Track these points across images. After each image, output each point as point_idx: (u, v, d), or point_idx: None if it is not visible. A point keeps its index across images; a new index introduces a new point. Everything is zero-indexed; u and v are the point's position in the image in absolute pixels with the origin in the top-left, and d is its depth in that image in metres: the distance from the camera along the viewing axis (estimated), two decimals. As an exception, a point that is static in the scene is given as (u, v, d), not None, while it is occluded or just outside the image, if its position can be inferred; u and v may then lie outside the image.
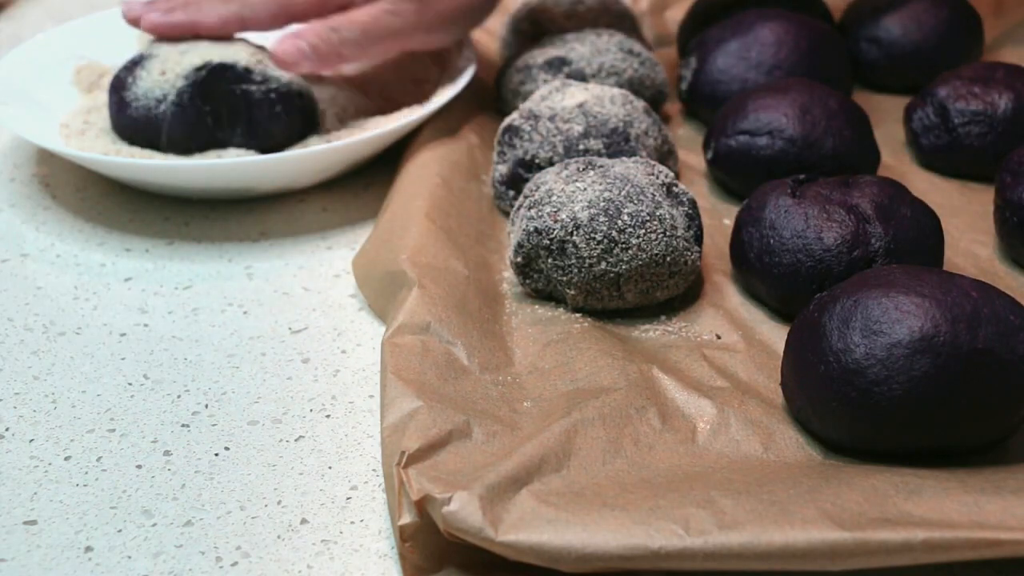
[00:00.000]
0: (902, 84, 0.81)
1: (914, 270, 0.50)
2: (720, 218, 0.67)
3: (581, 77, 0.74)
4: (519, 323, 0.58)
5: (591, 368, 0.54)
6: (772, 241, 0.58)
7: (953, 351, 0.46)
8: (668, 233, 0.57)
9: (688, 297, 0.60)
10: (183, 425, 0.54)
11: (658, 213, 0.57)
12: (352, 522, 0.48)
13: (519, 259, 0.58)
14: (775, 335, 0.57)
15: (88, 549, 0.47)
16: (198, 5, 0.72)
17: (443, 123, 0.74)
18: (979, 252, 0.64)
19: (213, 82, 0.69)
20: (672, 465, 0.48)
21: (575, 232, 0.56)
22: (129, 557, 0.46)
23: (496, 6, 0.77)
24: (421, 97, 0.77)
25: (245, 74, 0.70)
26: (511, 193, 0.66)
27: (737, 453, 0.49)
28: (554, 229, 0.57)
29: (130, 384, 0.57)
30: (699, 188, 0.70)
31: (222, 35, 0.72)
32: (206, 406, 0.55)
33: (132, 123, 0.70)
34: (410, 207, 0.64)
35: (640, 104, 0.68)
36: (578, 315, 0.58)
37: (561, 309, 0.59)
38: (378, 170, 0.73)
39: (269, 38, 0.74)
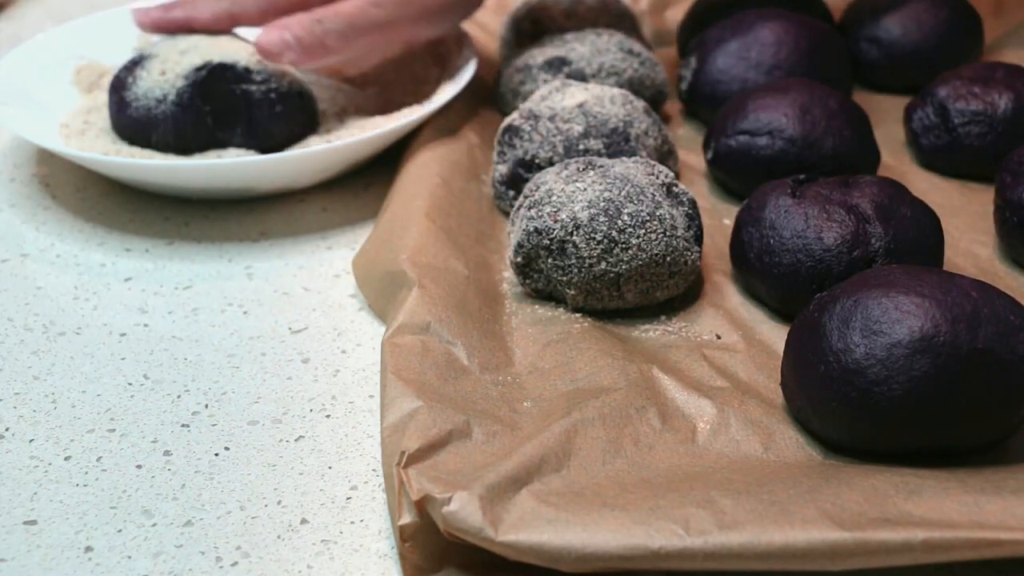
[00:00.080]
0: (902, 84, 0.81)
1: (914, 270, 0.50)
2: (720, 218, 0.67)
3: (581, 77, 0.74)
4: (519, 323, 0.58)
5: (591, 368, 0.54)
6: (772, 241, 0.58)
7: (953, 351, 0.46)
8: (668, 233, 0.57)
9: (688, 297, 0.60)
10: (183, 425, 0.54)
11: (658, 213, 0.57)
12: (352, 522, 0.48)
13: (519, 259, 0.58)
14: (775, 335, 0.57)
15: (88, 549, 0.47)
16: (193, 3, 0.73)
17: (443, 123, 0.74)
18: (979, 252, 0.64)
19: (213, 82, 0.69)
20: (672, 465, 0.48)
21: (575, 232, 0.56)
22: (129, 557, 0.46)
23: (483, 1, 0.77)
24: (421, 97, 0.77)
25: (245, 74, 0.70)
26: (511, 193, 0.66)
27: (737, 453, 0.49)
28: (554, 229, 0.57)
29: (130, 384, 0.57)
30: (699, 188, 0.70)
31: (215, 30, 0.73)
32: (206, 406, 0.55)
33: (132, 123, 0.70)
34: (410, 207, 0.64)
35: (640, 104, 0.68)
36: (578, 315, 0.58)
37: (561, 309, 0.59)
38: (378, 170, 0.73)
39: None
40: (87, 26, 0.83)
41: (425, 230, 0.62)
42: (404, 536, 0.45)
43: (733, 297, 0.60)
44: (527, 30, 0.82)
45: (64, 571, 0.46)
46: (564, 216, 0.57)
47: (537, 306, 0.59)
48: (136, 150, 0.70)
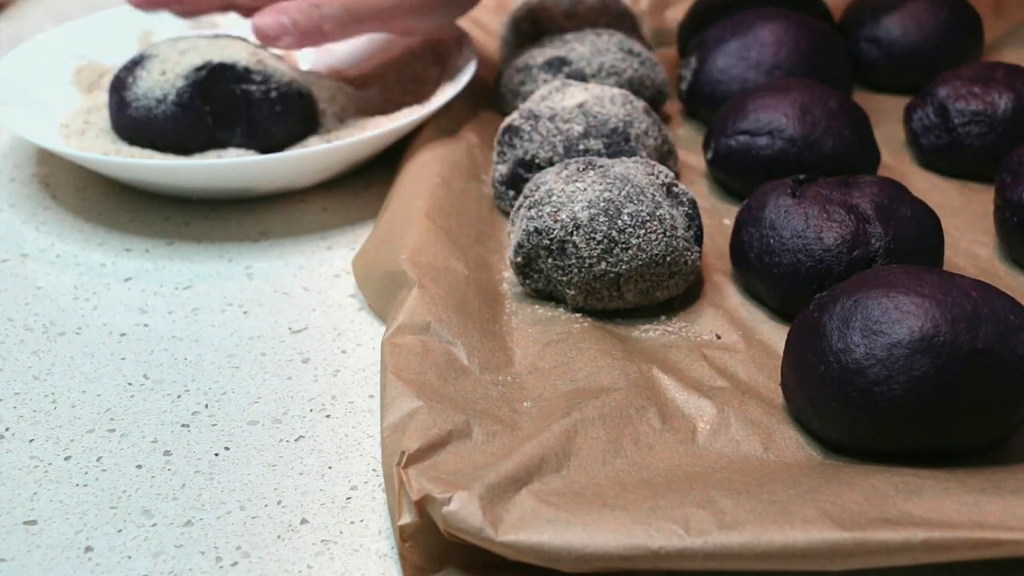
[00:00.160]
0: (902, 84, 0.81)
1: (914, 270, 0.50)
2: (720, 218, 0.67)
3: (581, 77, 0.74)
4: (519, 323, 0.58)
5: (591, 368, 0.54)
6: (772, 241, 0.58)
7: (953, 351, 0.46)
8: (668, 233, 0.57)
9: (688, 297, 0.60)
10: (183, 425, 0.54)
11: (658, 213, 0.57)
12: (352, 522, 0.48)
13: (519, 259, 0.58)
14: (775, 335, 0.57)
15: (88, 549, 0.47)
16: None
17: (443, 123, 0.74)
18: (979, 252, 0.64)
19: (213, 82, 0.69)
20: (672, 465, 0.48)
21: (575, 232, 0.56)
22: (129, 557, 0.46)
23: None
24: (421, 97, 0.77)
25: (245, 74, 0.70)
26: (511, 193, 0.66)
27: (737, 453, 0.49)
28: (554, 229, 0.57)
29: (130, 384, 0.57)
30: (699, 188, 0.70)
31: (208, 10, 0.73)
32: (206, 406, 0.55)
33: (132, 123, 0.70)
34: (410, 207, 0.64)
35: (640, 104, 0.68)
36: (578, 315, 0.58)
37: (561, 309, 0.59)
38: (378, 170, 0.73)
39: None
40: (87, 26, 0.83)
41: (425, 230, 0.62)
42: (404, 536, 0.45)
43: (733, 297, 0.60)
44: (527, 30, 0.82)
45: (64, 571, 0.46)
46: (564, 216, 0.57)
47: (537, 306, 0.59)
48: (136, 150, 0.70)
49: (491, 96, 0.79)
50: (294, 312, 0.62)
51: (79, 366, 0.58)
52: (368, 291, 0.62)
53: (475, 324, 0.56)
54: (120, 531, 0.48)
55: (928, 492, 0.44)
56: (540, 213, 0.58)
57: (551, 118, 0.66)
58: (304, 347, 0.59)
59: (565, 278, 0.57)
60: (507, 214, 0.67)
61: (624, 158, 0.61)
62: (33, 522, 0.48)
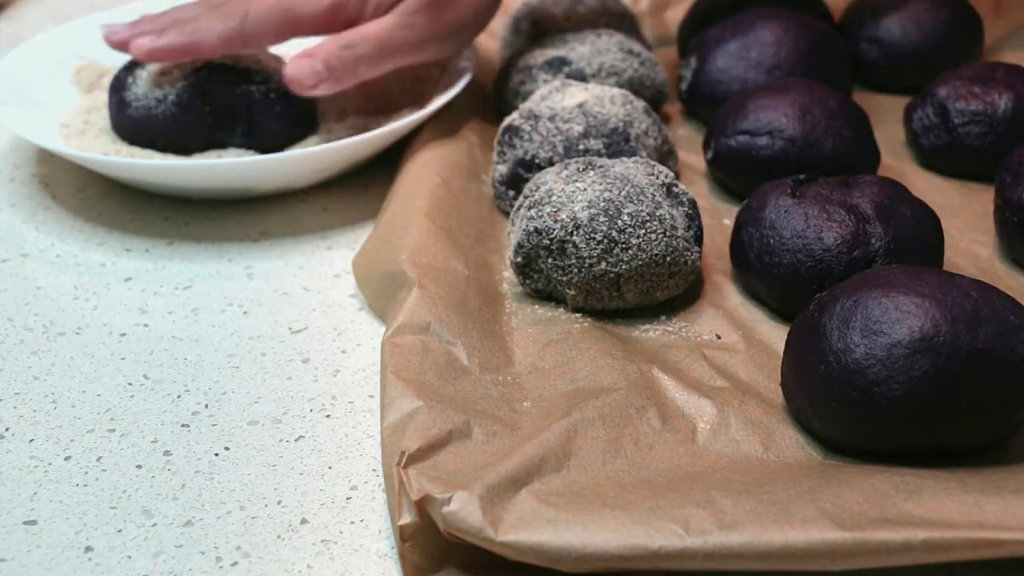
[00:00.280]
0: (902, 84, 0.81)
1: (914, 270, 0.50)
2: (720, 218, 0.67)
3: (581, 77, 0.74)
4: (519, 323, 0.58)
5: (591, 368, 0.54)
6: (772, 241, 0.58)
7: (953, 351, 0.46)
8: (668, 233, 0.57)
9: (688, 297, 0.60)
10: (183, 425, 0.54)
11: (658, 213, 0.57)
12: (352, 522, 0.48)
13: (519, 259, 0.58)
14: (775, 335, 0.57)
15: (88, 549, 0.47)
16: (195, 23, 0.68)
17: (443, 123, 0.74)
18: (979, 252, 0.64)
19: (213, 82, 0.69)
20: (672, 465, 0.48)
21: (575, 232, 0.56)
22: (129, 557, 0.46)
23: (498, 9, 0.76)
24: (421, 97, 0.77)
25: (245, 74, 0.70)
26: (511, 193, 0.66)
27: (737, 453, 0.49)
28: (554, 229, 0.57)
29: (130, 384, 0.57)
30: (699, 188, 0.70)
31: (225, 54, 0.69)
32: (206, 406, 0.55)
33: (132, 123, 0.70)
34: (410, 207, 0.64)
35: (640, 104, 0.68)
36: (578, 315, 0.58)
37: (561, 309, 0.59)
38: (378, 170, 0.73)
39: None
40: (87, 26, 0.83)
41: (425, 230, 0.62)
42: (404, 536, 0.45)
43: (733, 297, 0.60)
44: (527, 30, 0.82)
45: (64, 571, 0.46)
46: (564, 216, 0.57)
47: (537, 306, 0.59)
48: (136, 150, 0.70)
49: (491, 96, 0.79)
50: (294, 312, 0.62)
51: (79, 366, 0.58)
52: (368, 291, 0.62)
53: (475, 324, 0.56)
54: (120, 531, 0.48)
55: (928, 492, 0.44)
56: (540, 213, 0.58)
57: (551, 118, 0.66)
58: (304, 347, 0.59)
59: (565, 278, 0.57)
60: (507, 214, 0.67)
61: (624, 158, 0.61)
62: (33, 522, 0.48)
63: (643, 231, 0.56)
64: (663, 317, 0.59)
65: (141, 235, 0.69)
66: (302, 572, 0.46)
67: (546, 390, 0.53)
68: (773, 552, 0.42)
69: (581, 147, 0.65)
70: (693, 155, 0.74)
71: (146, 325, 0.61)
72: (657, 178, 0.59)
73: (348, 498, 0.49)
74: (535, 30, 0.81)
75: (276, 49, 0.75)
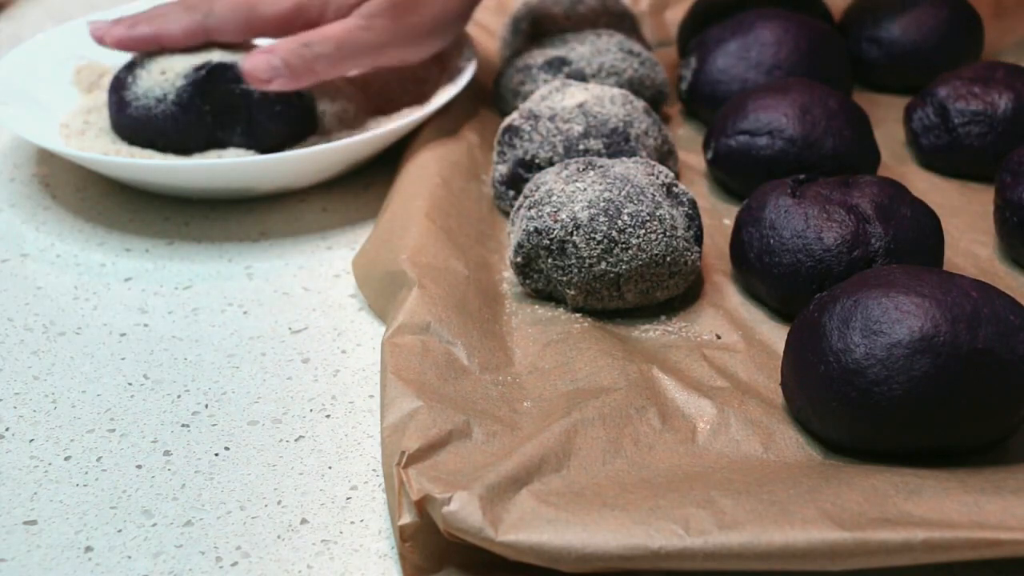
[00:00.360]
0: (902, 84, 0.81)
1: (914, 270, 0.50)
2: (720, 218, 0.67)
3: (581, 77, 0.74)
4: (519, 323, 0.58)
5: (591, 368, 0.54)
6: (772, 241, 0.58)
7: (953, 351, 0.46)
8: (668, 233, 0.57)
9: (688, 297, 0.60)
10: (183, 425, 0.54)
11: (658, 213, 0.57)
12: (352, 522, 0.48)
13: (519, 259, 0.58)
14: (775, 335, 0.57)
15: (88, 549, 0.47)
16: (163, 17, 0.71)
17: (443, 123, 0.74)
18: (979, 252, 0.64)
19: (213, 82, 0.69)
20: (672, 465, 0.48)
21: (575, 232, 0.56)
22: (129, 557, 0.46)
23: (470, 18, 0.76)
24: (421, 97, 0.77)
25: (245, 74, 0.70)
26: (511, 193, 0.66)
27: (737, 453, 0.49)
28: (554, 229, 0.57)
29: (130, 384, 0.57)
30: (699, 188, 0.70)
31: (187, 46, 0.71)
32: (206, 406, 0.55)
33: (132, 123, 0.70)
34: (410, 207, 0.64)
35: (640, 104, 0.68)
36: (578, 315, 0.58)
37: (561, 309, 0.59)
38: (378, 170, 0.73)
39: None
40: (87, 26, 0.83)
41: (425, 230, 0.62)
42: (404, 536, 0.45)
43: (733, 297, 0.60)
44: (527, 30, 0.82)
45: (64, 571, 0.46)
46: (564, 216, 0.57)
47: (537, 306, 0.59)
48: (136, 150, 0.70)
49: (491, 96, 0.79)
50: (294, 312, 0.62)
51: (79, 366, 0.58)
52: (368, 291, 0.62)
53: (475, 324, 0.56)
54: (120, 531, 0.48)
55: (928, 492, 0.44)
56: (540, 213, 0.58)
57: (551, 118, 0.66)
58: (304, 347, 0.59)
59: (565, 278, 0.57)
60: (507, 214, 0.67)
61: (624, 158, 0.61)
62: (33, 522, 0.48)
63: (643, 231, 0.56)
64: (663, 317, 0.59)
65: (141, 235, 0.69)
66: (302, 572, 0.46)
67: (546, 390, 0.53)
68: (773, 552, 0.42)
69: (581, 147, 0.65)
70: (693, 155, 0.74)
71: (146, 325, 0.61)
72: (657, 178, 0.59)
73: (348, 498, 0.49)
74: (535, 30, 0.81)
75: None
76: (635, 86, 0.75)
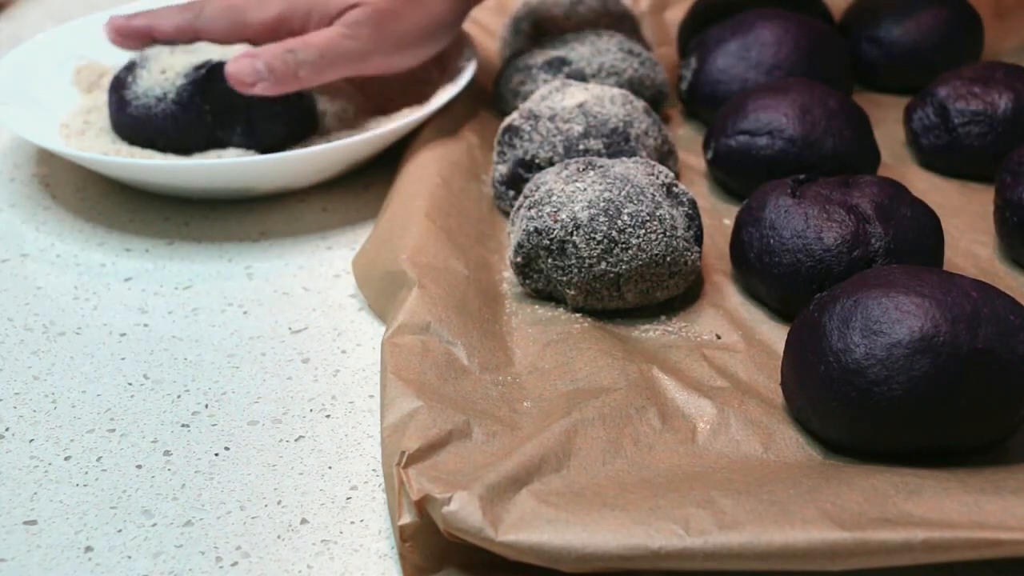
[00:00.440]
0: (902, 84, 0.81)
1: (914, 270, 0.50)
2: (720, 218, 0.67)
3: (581, 77, 0.74)
4: (519, 323, 0.58)
5: (591, 368, 0.54)
6: (772, 241, 0.58)
7: (953, 351, 0.46)
8: (668, 233, 0.57)
9: (688, 297, 0.60)
10: (183, 425, 0.54)
11: (658, 213, 0.57)
12: (352, 522, 0.48)
13: (519, 259, 0.58)
14: (775, 335, 0.57)
15: (88, 549, 0.47)
16: (159, 14, 0.73)
17: (443, 123, 0.74)
18: (979, 252, 0.64)
19: (213, 81, 0.69)
20: (672, 465, 0.48)
21: (575, 232, 0.56)
22: (129, 557, 0.46)
23: (459, 29, 0.76)
24: (421, 97, 0.77)
25: (245, 74, 0.70)
26: (511, 193, 0.66)
27: (737, 453, 0.49)
28: (554, 229, 0.57)
29: (130, 384, 0.57)
30: (699, 188, 0.70)
31: (177, 41, 0.73)
32: (206, 406, 0.55)
33: (132, 122, 0.70)
34: (410, 207, 0.64)
35: (640, 104, 0.68)
36: (578, 315, 0.58)
37: (561, 309, 0.59)
38: (378, 170, 0.73)
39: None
40: (87, 26, 0.83)
41: (425, 230, 0.62)
42: (404, 536, 0.45)
43: (733, 297, 0.60)
44: (527, 30, 0.82)
45: (64, 571, 0.46)
46: (564, 216, 0.57)
47: (537, 306, 0.59)
48: (136, 150, 0.70)
49: (491, 96, 0.79)
50: (294, 312, 0.62)
51: (79, 366, 0.58)
52: (368, 291, 0.62)
53: (475, 324, 0.56)
54: (120, 531, 0.48)
55: (928, 492, 0.44)
56: (540, 213, 0.58)
57: (551, 118, 0.66)
58: (304, 347, 0.59)
59: (565, 278, 0.57)
60: (507, 214, 0.67)
61: (624, 158, 0.61)
62: (33, 522, 0.48)
63: (643, 231, 0.56)
64: (663, 317, 0.59)
65: (141, 235, 0.69)
66: (302, 572, 0.46)
67: (546, 390, 0.53)
68: (773, 552, 0.42)
69: (581, 147, 0.65)
70: (693, 155, 0.74)
71: (146, 325, 0.61)
72: (657, 178, 0.59)
73: (348, 498, 0.49)
74: (535, 30, 0.81)
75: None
76: (635, 86, 0.75)
